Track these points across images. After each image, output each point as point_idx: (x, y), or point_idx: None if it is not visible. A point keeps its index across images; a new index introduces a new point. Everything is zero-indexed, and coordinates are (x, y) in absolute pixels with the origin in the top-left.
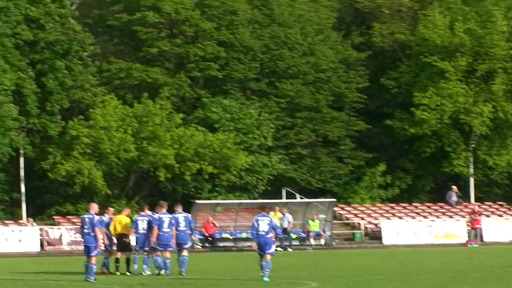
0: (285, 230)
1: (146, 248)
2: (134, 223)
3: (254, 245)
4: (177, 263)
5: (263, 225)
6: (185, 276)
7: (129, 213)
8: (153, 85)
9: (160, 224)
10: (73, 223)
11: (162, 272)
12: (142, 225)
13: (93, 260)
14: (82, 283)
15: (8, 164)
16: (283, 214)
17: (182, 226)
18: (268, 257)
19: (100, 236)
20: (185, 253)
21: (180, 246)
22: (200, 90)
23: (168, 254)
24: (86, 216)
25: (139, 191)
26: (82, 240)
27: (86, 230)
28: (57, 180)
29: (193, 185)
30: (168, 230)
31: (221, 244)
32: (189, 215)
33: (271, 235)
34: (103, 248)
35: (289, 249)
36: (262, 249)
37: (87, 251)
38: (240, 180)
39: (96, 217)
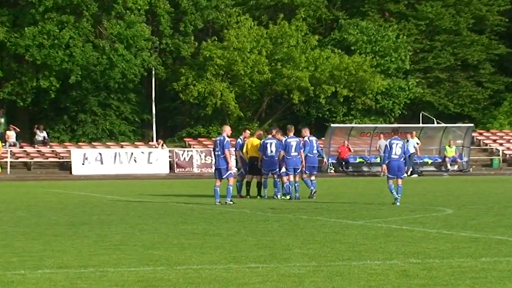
0: (409, 155)
1: (276, 172)
2: (262, 146)
3: (384, 168)
4: (308, 187)
5: (397, 149)
6: (317, 200)
7: (261, 135)
8: (289, 6)
9: (287, 148)
10: (204, 146)
11: (292, 196)
12: (270, 148)
13: (231, 181)
14: (212, 206)
15: (140, 85)
16: (407, 139)
17: (314, 150)
18: (400, 181)
19: (233, 158)
20: (313, 177)
21: (311, 171)
22: (337, 12)
23: (297, 178)
24: (218, 138)
25: (272, 114)
26: (214, 162)
27: (217, 153)
28: (188, 102)
29: (327, 108)
30: (295, 154)
31: (355, 169)
32: (316, 139)
33: (403, 159)
34: (235, 170)
35: (414, 175)
36: (394, 173)
37: (218, 174)
38: (376, 104)
39: (227, 139)
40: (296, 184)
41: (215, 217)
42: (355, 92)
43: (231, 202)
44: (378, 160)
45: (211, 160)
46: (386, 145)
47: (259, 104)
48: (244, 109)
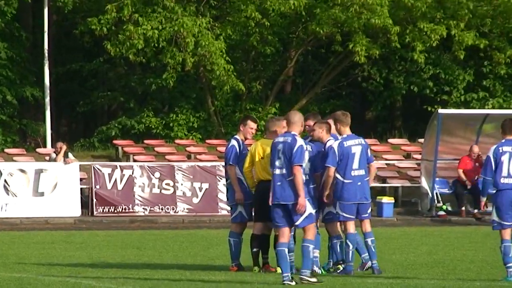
0: None
1: (312, 215)
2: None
3: (482, 203)
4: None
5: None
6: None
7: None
8: None
9: (346, 160)
10: (160, 157)
11: (350, 264)
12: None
13: (310, 233)
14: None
15: (15, 24)
16: None
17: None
18: None
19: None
20: (367, 226)
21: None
22: None
23: (367, 226)
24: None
25: (309, 88)
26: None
27: (277, 170)
28: (123, 60)
29: (430, 74)
30: (360, 172)
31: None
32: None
33: None
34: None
35: None
36: (508, 217)
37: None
38: None
39: (300, 143)
40: (370, 240)
41: None
42: (491, 39)
43: (314, 280)
44: None
45: (191, 187)
46: (488, 158)
47: (281, 66)
48: (246, 76)
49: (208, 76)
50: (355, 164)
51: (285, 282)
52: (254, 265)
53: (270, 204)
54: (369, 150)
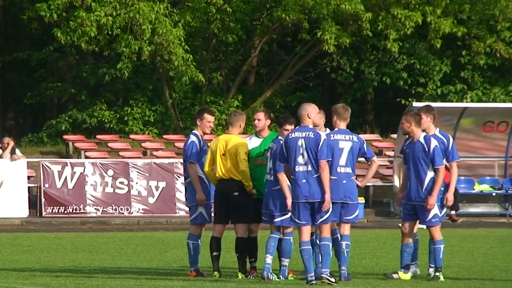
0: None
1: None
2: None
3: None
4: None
5: None
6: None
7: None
8: None
9: (332, 155)
10: (114, 153)
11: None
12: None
13: (306, 235)
14: None
15: None
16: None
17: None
18: None
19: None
20: (346, 229)
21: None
22: None
23: (346, 229)
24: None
25: (274, 79)
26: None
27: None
28: (74, 49)
29: (404, 64)
30: (346, 169)
31: (471, 210)
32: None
33: None
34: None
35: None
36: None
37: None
38: None
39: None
40: (345, 244)
41: None
42: (470, 26)
43: (333, 280)
44: None
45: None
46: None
47: (243, 55)
48: (206, 67)
49: (165, 66)
50: (341, 160)
51: (312, 282)
52: (214, 270)
53: (289, 201)
54: (365, 146)
